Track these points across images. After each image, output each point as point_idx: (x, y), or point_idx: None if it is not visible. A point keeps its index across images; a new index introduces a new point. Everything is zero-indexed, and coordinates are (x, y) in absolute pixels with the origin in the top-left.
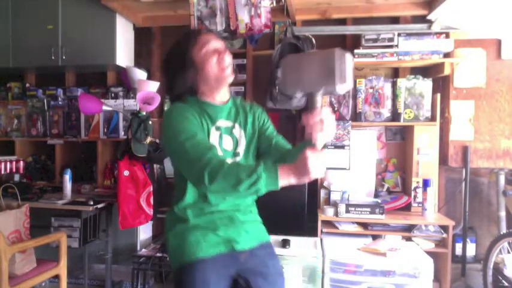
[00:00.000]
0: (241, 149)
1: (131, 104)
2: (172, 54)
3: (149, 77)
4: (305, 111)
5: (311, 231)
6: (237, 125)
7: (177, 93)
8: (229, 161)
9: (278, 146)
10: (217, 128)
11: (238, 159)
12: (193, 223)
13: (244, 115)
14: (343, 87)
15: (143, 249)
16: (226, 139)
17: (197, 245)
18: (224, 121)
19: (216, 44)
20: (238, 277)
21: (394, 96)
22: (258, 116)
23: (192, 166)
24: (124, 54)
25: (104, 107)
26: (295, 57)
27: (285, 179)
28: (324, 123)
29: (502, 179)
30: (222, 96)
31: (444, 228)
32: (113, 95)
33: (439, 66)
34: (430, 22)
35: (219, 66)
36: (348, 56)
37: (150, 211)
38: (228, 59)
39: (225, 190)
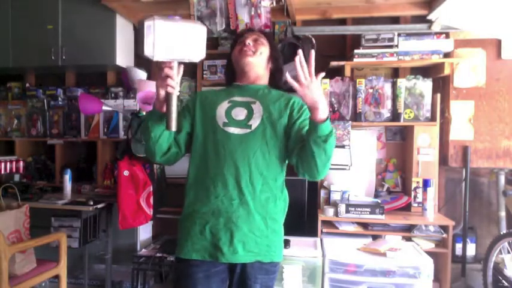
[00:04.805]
0: (254, 123)
1: (131, 104)
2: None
3: (149, 77)
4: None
5: (311, 231)
6: (258, 103)
7: (225, 78)
8: (235, 130)
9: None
10: (230, 101)
11: (247, 131)
12: (190, 210)
13: (275, 100)
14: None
15: (143, 249)
16: (238, 110)
17: (184, 245)
18: (241, 97)
19: (247, 36)
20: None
21: (394, 96)
22: (296, 107)
23: None
24: (124, 54)
25: (104, 107)
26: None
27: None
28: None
29: (502, 179)
30: (250, 77)
31: (444, 228)
32: (113, 95)
33: (439, 66)
34: (430, 22)
35: (239, 52)
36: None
37: (150, 211)
38: (249, 46)
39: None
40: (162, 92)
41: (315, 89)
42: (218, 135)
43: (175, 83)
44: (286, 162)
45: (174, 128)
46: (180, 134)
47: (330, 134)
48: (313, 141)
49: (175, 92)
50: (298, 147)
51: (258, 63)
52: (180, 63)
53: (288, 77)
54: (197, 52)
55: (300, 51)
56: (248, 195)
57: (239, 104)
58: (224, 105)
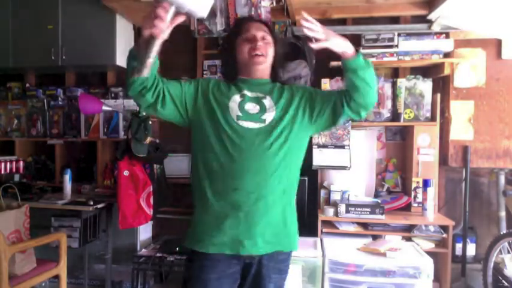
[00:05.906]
0: (268, 117)
1: (131, 104)
2: (224, 40)
3: None
4: None
5: (311, 231)
6: (269, 97)
7: (225, 72)
8: (250, 124)
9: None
10: (242, 96)
11: (261, 125)
12: (206, 204)
13: (279, 92)
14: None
15: (143, 249)
16: (250, 105)
17: (202, 239)
18: (251, 92)
19: (254, 32)
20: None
21: (394, 96)
22: (298, 93)
23: None
24: (124, 54)
25: (104, 107)
26: None
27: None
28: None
29: (502, 179)
30: (256, 74)
31: (444, 228)
32: (113, 95)
33: (439, 66)
34: (430, 22)
35: (249, 54)
36: None
37: (149, 211)
38: (260, 47)
39: None
40: (147, 32)
41: (331, 36)
42: (233, 129)
43: (165, 27)
44: (303, 152)
45: (146, 74)
46: (176, 89)
47: (367, 62)
48: (358, 76)
49: (160, 38)
50: (337, 96)
51: (267, 64)
52: (178, 13)
53: (313, 45)
54: (202, 6)
55: (307, 16)
56: (266, 187)
57: (250, 99)
58: (236, 99)
